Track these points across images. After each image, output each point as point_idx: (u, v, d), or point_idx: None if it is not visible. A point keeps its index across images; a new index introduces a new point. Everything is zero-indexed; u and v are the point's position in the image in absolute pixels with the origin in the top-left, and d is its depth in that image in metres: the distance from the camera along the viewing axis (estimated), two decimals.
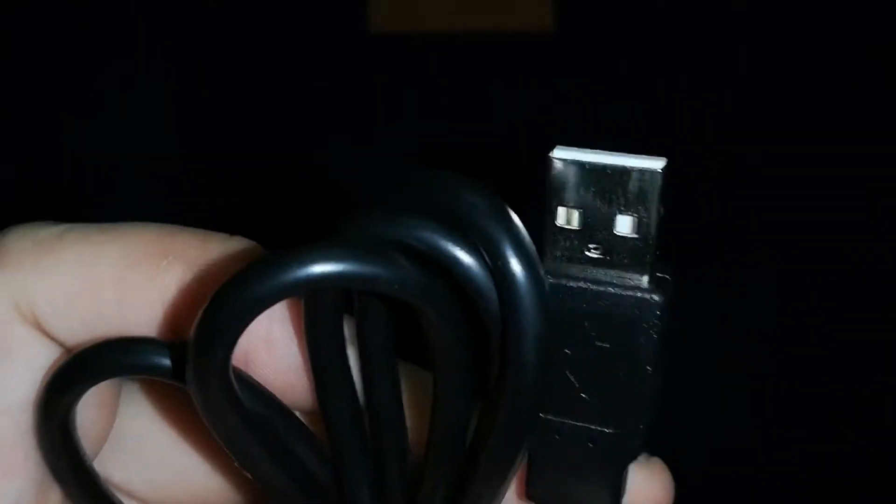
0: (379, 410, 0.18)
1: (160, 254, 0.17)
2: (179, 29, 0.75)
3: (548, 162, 0.16)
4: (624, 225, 0.16)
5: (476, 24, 0.72)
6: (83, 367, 0.17)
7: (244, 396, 0.17)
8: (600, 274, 0.16)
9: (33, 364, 0.18)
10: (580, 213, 0.16)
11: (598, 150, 0.16)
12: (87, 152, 0.73)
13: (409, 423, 0.18)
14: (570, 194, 0.16)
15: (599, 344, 0.16)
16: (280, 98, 0.74)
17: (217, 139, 0.75)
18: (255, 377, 0.18)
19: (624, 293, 0.16)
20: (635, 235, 0.16)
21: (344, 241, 0.15)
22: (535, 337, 0.15)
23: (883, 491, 0.64)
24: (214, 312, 0.15)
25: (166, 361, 0.17)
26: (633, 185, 0.15)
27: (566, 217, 0.16)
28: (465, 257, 0.15)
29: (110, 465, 0.20)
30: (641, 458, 0.18)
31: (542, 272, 0.15)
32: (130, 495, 0.21)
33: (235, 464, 0.18)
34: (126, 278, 0.17)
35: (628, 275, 0.16)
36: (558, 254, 0.16)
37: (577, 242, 0.16)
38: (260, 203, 0.73)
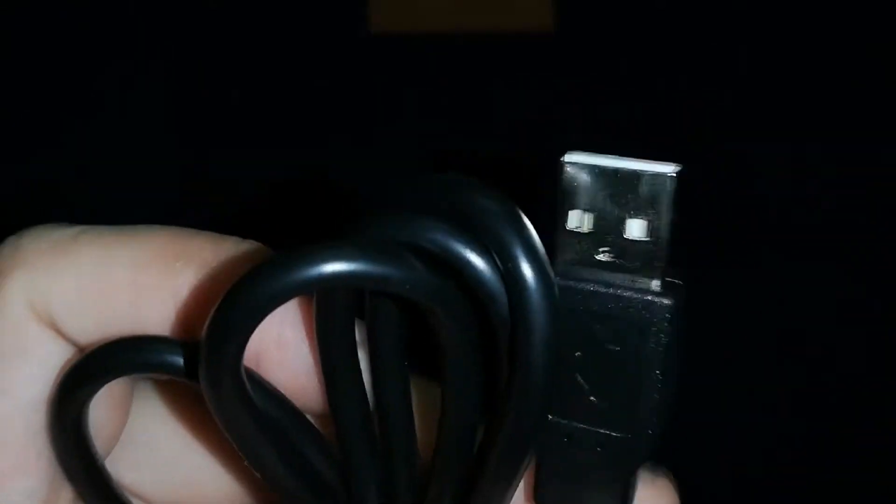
0: (388, 413, 0.18)
1: (173, 256, 0.18)
2: (179, 29, 0.75)
3: (559, 165, 0.16)
4: (635, 229, 0.16)
5: (476, 24, 0.72)
6: (96, 365, 0.18)
7: (255, 396, 0.17)
8: (611, 277, 0.16)
9: (47, 363, 0.18)
10: (592, 217, 0.16)
11: (608, 155, 0.16)
12: (86, 154, 0.73)
13: (417, 428, 0.18)
14: (582, 198, 0.16)
15: (609, 347, 0.16)
16: (280, 98, 0.74)
17: (216, 139, 0.75)
18: (266, 379, 0.18)
19: (634, 296, 0.16)
20: (646, 239, 0.16)
21: (355, 241, 0.15)
22: (545, 341, 0.15)
23: (883, 491, 0.64)
24: (227, 309, 0.15)
25: (179, 360, 0.17)
26: (644, 189, 0.15)
27: (577, 220, 0.16)
28: (476, 259, 0.15)
29: (121, 466, 0.20)
30: (649, 469, 0.18)
31: (552, 276, 0.15)
32: (141, 497, 0.21)
33: (245, 463, 0.18)
34: (139, 280, 0.18)
35: (639, 278, 0.16)
36: (569, 256, 0.16)
37: (588, 245, 0.16)
38: (259, 203, 0.73)
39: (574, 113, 0.69)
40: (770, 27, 0.68)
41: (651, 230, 0.16)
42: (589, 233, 0.16)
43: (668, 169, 0.15)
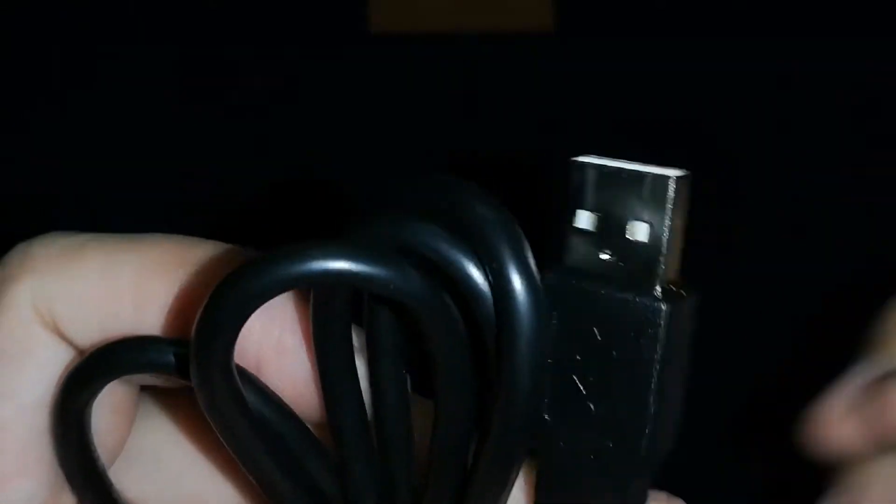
0: (386, 420, 0.18)
1: (177, 263, 0.18)
2: (179, 29, 0.75)
3: (569, 165, 0.16)
4: (637, 231, 0.16)
5: (476, 24, 0.72)
6: (98, 365, 0.18)
7: (252, 399, 0.17)
8: (613, 279, 0.16)
9: (50, 366, 0.18)
10: (597, 218, 0.16)
11: (619, 160, 0.16)
12: (86, 153, 0.73)
13: (415, 436, 0.18)
14: (589, 197, 0.16)
15: (607, 351, 0.16)
16: (280, 98, 0.74)
17: (216, 140, 0.75)
18: (267, 385, 0.18)
19: (631, 300, 0.16)
20: (649, 242, 0.15)
21: (342, 240, 0.16)
22: (530, 347, 0.15)
23: None
24: (214, 306, 0.16)
25: (180, 359, 0.17)
26: (646, 192, 0.15)
27: (584, 220, 0.16)
28: (465, 264, 0.15)
29: (125, 479, 0.20)
30: (665, 499, 0.17)
31: (539, 283, 0.15)
32: None
33: (241, 469, 0.18)
34: (143, 286, 0.18)
35: (640, 282, 0.16)
36: (573, 256, 0.16)
37: (592, 246, 0.16)
38: (258, 203, 0.73)
39: (574, 113, 0.69)
40: (770, 27, 0.68)
41: (652, 233, 0.15)
42: (595, 233, 0.16)
43: (671, 172, 0.15)
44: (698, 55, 0.68)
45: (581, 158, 0.16)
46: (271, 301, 0.16)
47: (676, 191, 0.15)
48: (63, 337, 0.18)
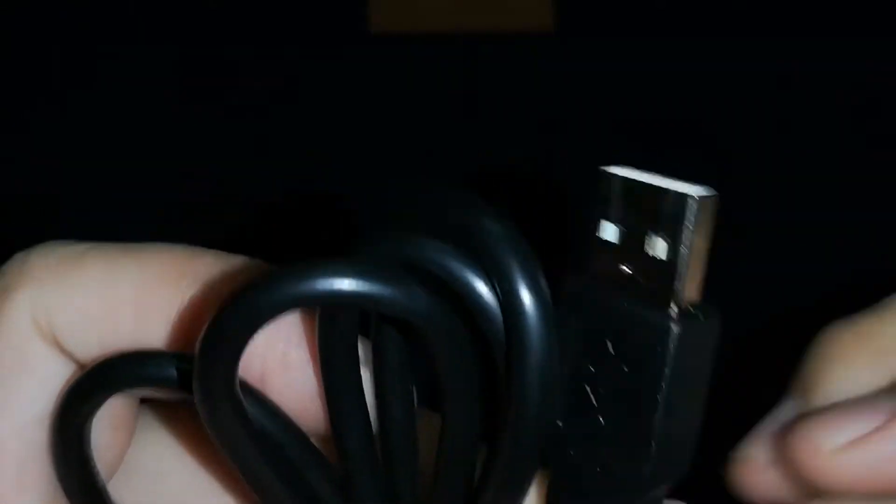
0: (391, 434, 0.17)
1: (179, 274, 0.18)
2: (179, 29, 0.75)
3: (598, 174, 0.16)
4: (657, 248, 0.15)
5: (476, 24, 0.72)
6: (98, 380, 0.17)
7: (255, 413, 0.17)
8: (632, 293, 0.15)
9: (49, 380, 0.18)
10: (620, 231, 0.16)
11: (648, 172, 0.15)
12: (86, 153, 0.73)
13: (421, 451, 0.18)
14: (613, 209, 0.16)
15: (618, 366, 0.16)
16: (279, 98, 0.74)
17: (216, 140, 0.75)
18: (272, 399, 0.18)
19: (643, 317, 0.15)
20: (668, 260, 0.15)
21: (349, 260, 0.15)
22: (539, 378, 0.15)
23: None
24: (220, 323, 0.15)
25: (181, 373, 0.17)
26: (668, 208, 0.15)
27: (607, 231, 0.16)
28: (474, 282, 0.15)
29: (124, 493, 0.20)
30: None
31: (549, 300, 0.15)
32: None
33: (242, 481, 0.18)
34: (144, 298, 0.18)
35: (657, 300, 0.15)
36: (593, 267, 0.16)
37: (613, 258, 0.16)
38: (258, 203, 0.73)
39: (574, 113, 0.69)
40: (770, 27, 0.68)
41: (671, 252, 0.15)
42: (616, 245, 0.16)
43: (693, 191, 0.15)
44: (698, 55, 0.68)
45: (609, 168, 0.16)
46: None
47: (698, 211, 0.15)
48: (63, 350, 0.18)
